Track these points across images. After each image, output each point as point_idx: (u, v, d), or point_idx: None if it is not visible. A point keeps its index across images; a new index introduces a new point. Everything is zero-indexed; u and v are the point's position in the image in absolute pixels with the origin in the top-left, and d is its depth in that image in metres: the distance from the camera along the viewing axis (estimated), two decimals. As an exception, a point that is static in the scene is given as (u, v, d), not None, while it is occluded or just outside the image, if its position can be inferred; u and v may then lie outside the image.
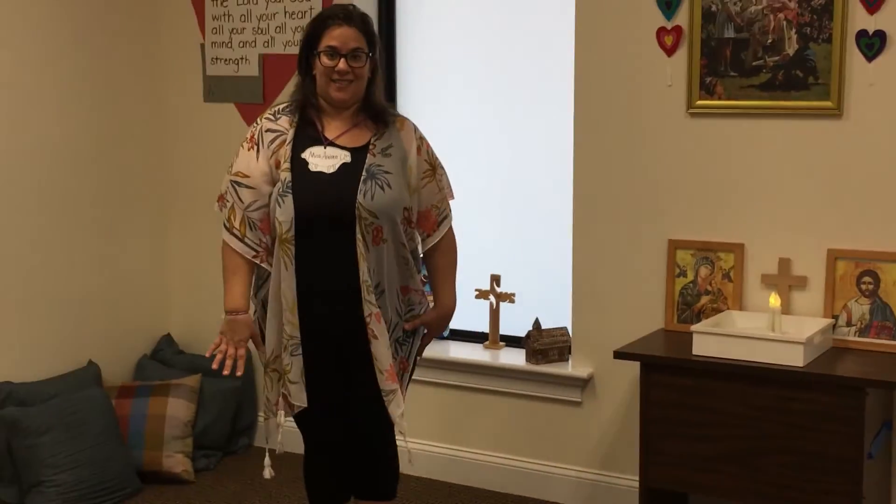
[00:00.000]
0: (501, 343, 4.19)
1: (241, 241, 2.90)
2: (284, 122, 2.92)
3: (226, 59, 4.43)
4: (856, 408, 3.06)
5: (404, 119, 3.02)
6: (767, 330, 3.28)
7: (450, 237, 3.10)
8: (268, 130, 2.92)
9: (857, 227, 3.38)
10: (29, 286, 4.10)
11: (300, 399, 2.91)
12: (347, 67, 2.84)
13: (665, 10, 3.57)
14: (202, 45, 4.50)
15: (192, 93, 4.55)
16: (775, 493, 3.18)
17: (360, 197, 2.82)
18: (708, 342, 3.25)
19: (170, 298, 4.73)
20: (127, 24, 4.43)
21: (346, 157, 2.87)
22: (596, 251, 3.81)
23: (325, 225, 2.83)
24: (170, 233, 4.69)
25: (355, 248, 2.82)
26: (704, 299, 3.59)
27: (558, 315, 4.06)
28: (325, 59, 2.86)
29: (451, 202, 3.10)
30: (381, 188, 2.84)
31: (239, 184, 2.90)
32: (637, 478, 3.62)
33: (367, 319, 2.85)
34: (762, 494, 3.20)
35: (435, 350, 4.19)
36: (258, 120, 2.98)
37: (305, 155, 2.87)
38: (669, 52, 3.58)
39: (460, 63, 4.30)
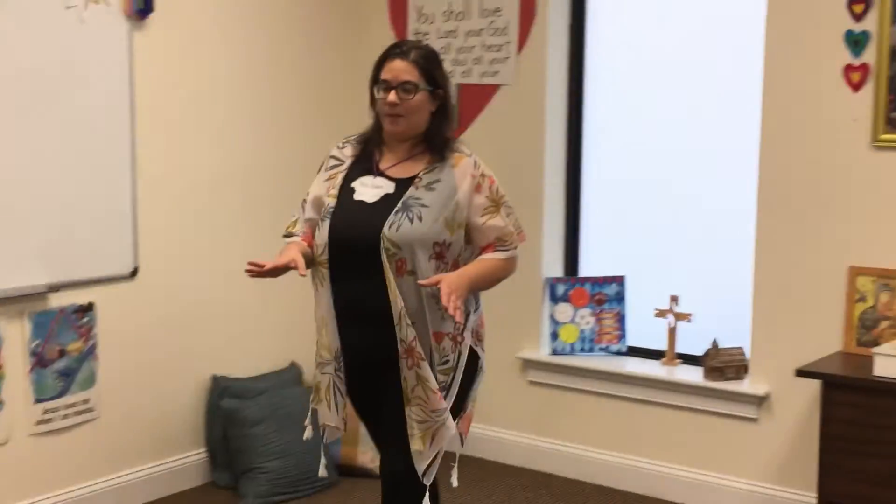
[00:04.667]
0: (677, 360, 4.41)
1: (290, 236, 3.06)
2: (348, 151, 3.03)
3: (424, 88, 4.78)
4: None
5: (462, 156, 2.96)
6: (949, 355, 3.43)
7: (503, 263, 2.98)
8: (332, 157, 3.05)
9: None
10: (243, 294, 4.48)
11: (326, 417, 3.03)
12: (396, 99, 2.88)
13: (853, 48, 3.75)
14: (402, 75, 4.85)
15: (391, 118, 4.91)
16: (954, 511, 3.33)
17: (385, 227, 2.82)
18: (890, 364, 3.42)
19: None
20: (331, 54, 4.82)
21: (390, 188, 2.91)
22: (777, 275, 4.00)
23: (355, 252, 2.86)
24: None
25: (383, 277, 2.81)
26: (884, 324, 3.75)
27: (731, 336, 4.26)
28: (379, 92, 2.94)
29: (520, 242, 3.04)
30: (410, 221, 2.83)
31: (305, 201, 3.08)
32: (810, 493, 3.80)
33: (412, 344, 2.82)
34: (940, 512, 3.36)
35: (613, 365, 4.46)
36: (332, 148, 3.10)
37: (355, 184, 2.94)
38: (856, 87, 3.77)
39: (646, 87, 4.52)
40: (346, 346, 2.94)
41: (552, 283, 4.60)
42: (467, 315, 2.91)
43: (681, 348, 4.42)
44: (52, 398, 3.91)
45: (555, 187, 4.62)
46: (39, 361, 3.87)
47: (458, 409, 2.97)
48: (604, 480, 4.46)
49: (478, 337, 3.01)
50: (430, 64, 2.94)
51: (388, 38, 4.87)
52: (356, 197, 2.92)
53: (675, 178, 4.47)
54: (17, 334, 3.79)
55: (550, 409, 4.64)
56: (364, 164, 2.98)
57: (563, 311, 4.60)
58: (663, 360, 4.43)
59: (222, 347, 4.50)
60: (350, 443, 4.49)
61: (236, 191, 4.49)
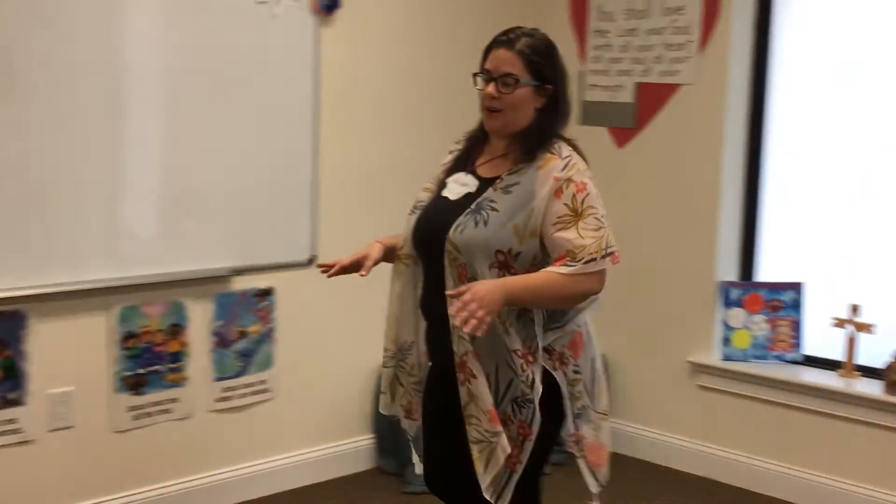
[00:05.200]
0: (856, 372, 4.25)
1: None
2: (460, 146, 2.87)
3: (602, 86, 4.76)
4: None
5: (553, 158, 2.62)
6: None
7: (564, 280, 2.54)
8: (449, 152, 2.90)
9: None
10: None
11: (385, 408, 2.95)
12: (495, 92, 2.64)
13: None
14: (580, 73, 4.85)
15: (567, 115, 4.91)
16: None
17: (451, 229, 2.61)
18: None
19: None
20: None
21: (474, 186, 2.70)
22: (967, 288, 3.82)
23: (426, 251, 2.72)
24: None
25: (446, 283, 2.63)
26: None
27: (917, 350, 4.09)
28: (478, 82, 2.71)
29: (600, 261, 2.57)
30: (476, 224, 2.59)
31: None
32: None
33: (464, 358, 2.59)
34: None
35: (787, 373, 4.34)
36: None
37: (450, 179, 2.77)
38: None
39: (832, 86, 4.37)
40: (428, 346, 2.82)
41: (726, 288, 4.51)
42: (535, 335, 2.58)
43: (860, 360, 4.26)
44: (232, 377, 4.09)
45: (732, 189, 4.52)
46: (221, 341, 4.04)
47: (547, 439, 2.68)
48: (773, 491, 4.34)
49: (561, 360, 2.66)
50: (538, 55, 2.65)
51: (567, 38, 4.87)
52: (444, 193, 2.75)
53: (859, 181, 4.31)
54: (201, 315, 3.97)
55: (720, 416, 4.55)
56: (465, 159, 2.80)
57: (736, 315, 4.50)
58: (841, 371, 4.28)
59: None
60: (515, 437, 4.52)
61: (415, 183, 4.55)
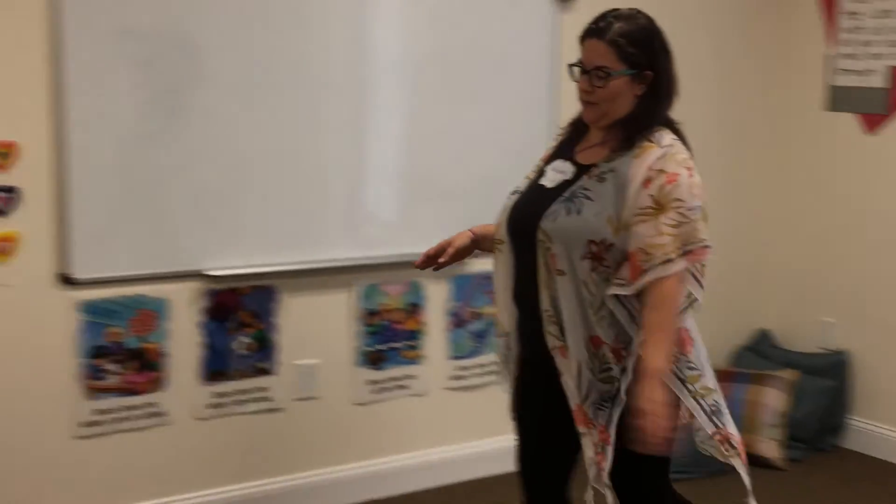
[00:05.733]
0: None
1: None
2: (563, 133, 2.77)
3: (852, 71, 4.56)
4: None
5: (652, 146, 2.50)
6: None
7: (661, 291, 2.43)
8: (555, 137, 2.80)
9: None
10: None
11: (502, 381, 2.91)
12: (588, 87, 2.55)
13: None
14: (826, 56, 4.66)
15: (811, 101, 4.74)
16: None
17: (543, 216, 2.54)
18: None
19: (767, 294, 4.97)
20: (747, 35, 4.73)
21: (570, 174, 2.60)
22: None
23: (519, 239, 2.63)
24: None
25: (537, 273, 2.56)
26: None
27: None
28: (574, 73, 2.60)
29: (681, 260, 2.44)
30: (568, 212, 2.51)
31: None
32: None
33: (552, 353, 2.57)
34: None
35: None
36: None
37: (549, 166, 2.67)
38: None
39: None
40: (519, 336, 2.74)
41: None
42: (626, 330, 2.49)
43: None
44: (466, 357, 4.19)
45: None
46: (456, 322, 4.15)
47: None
48: None
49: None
50: (633, 44, 2.51)
51: (814, 21, 4.70)
52: (541, 180, 2.66)
53: None
54: (438, 295, 4.09)
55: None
56: (566, 146, 2.70)
57: None
58: None
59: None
60: (750, 430, 4.41)
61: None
